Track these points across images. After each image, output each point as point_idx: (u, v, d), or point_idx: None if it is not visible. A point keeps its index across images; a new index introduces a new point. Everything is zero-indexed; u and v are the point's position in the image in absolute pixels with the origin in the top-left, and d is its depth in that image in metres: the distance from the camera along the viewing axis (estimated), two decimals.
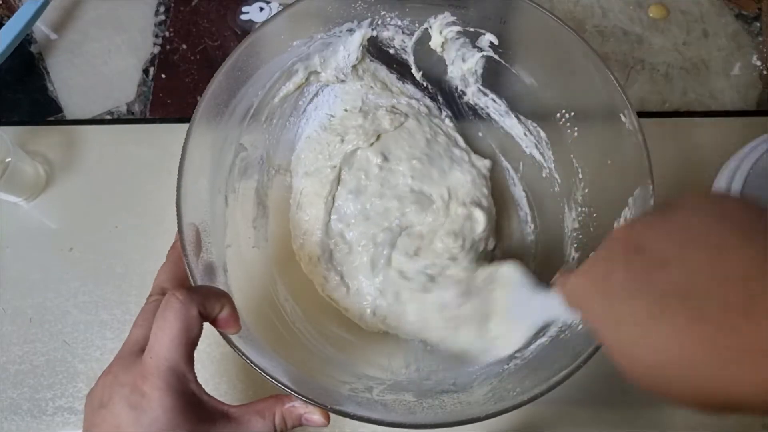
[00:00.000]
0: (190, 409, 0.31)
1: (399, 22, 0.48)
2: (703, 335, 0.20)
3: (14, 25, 0.59)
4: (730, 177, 0.52)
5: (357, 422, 0.35)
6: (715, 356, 0.20)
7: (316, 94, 0.52)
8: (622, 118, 0.39)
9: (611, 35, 0.62)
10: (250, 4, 0.64)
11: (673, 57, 0.61)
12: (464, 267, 0.46)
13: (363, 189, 0.49)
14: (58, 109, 0.60)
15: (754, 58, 0.61)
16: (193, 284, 0.36)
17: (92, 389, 0.32)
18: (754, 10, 0.63)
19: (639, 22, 0.63)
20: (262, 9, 0.63)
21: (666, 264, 0.22)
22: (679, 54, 0.62)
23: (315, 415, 0.35)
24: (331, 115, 0.52)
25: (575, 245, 0.45)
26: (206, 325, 0.33)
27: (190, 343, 0.31)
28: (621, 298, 0.24)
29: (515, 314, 0.39)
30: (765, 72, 0.61)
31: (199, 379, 0.33)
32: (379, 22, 0.47)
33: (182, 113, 0.60)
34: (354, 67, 0.50)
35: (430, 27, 0.47)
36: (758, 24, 0.62)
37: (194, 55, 0.62)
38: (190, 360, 0.32)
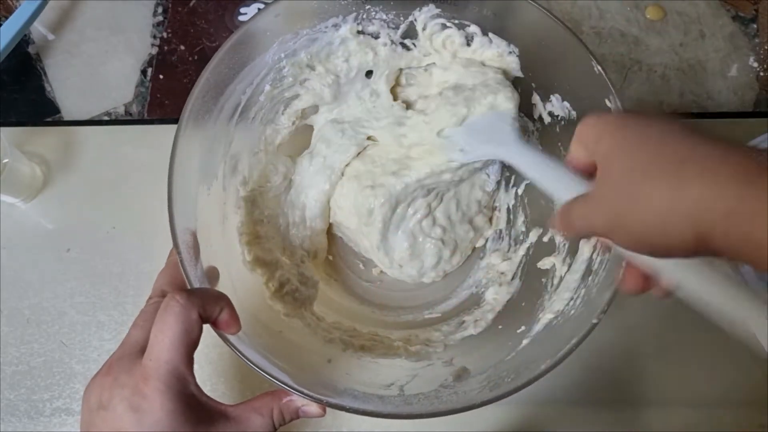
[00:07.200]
0: (191, 410, 0.31)
1: (384, 16, 0.48)
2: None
3: (12, 26, 0.59)
4: None
5: (354, 416, 0.35)
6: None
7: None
8: (608, 103, 0.39)
9: (608, 36, 0.63)
10: (248, 5, 0.64)
11: (670, 58, 0.62)
12: None
13: None
14: (56, 109, 0.60)
15: (751, 59, 0.61)
16: (189, 287, 0.36)
17: (88, 389, 0.32)
18: (751, 11, 0.63)
19: (636, 23, 0.63)
20: (259, 10, 0.63)
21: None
22: (676, 55, 0.62)
23: (312, 407, 0.36)
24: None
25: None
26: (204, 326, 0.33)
27: (190, 346, 0.32)
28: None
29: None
30: (762, 74, 0.61)
31: (198, 380, 0.33)
32: (364, 16, 0.47)
33: (180, 114, 0.60)
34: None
35: (415, 20, 0.47)
36: (755, 26, 0.63)
37: (192, 55, 0.62)
38: (189, 362, 0.32)
